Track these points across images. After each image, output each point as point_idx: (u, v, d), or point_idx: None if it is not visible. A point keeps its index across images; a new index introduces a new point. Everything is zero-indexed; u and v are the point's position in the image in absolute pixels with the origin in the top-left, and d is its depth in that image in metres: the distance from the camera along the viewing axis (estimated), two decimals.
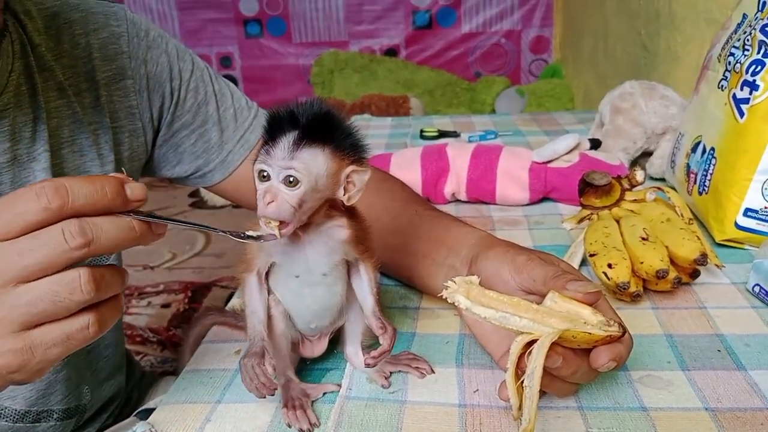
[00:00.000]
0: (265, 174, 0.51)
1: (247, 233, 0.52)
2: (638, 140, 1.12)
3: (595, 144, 1.08)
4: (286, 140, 0.50)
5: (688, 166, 0.94)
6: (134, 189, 0.45)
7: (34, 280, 0.42)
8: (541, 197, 1.05)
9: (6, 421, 0.72)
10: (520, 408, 0.49)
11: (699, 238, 0.72)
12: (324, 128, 0.51)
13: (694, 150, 0.92)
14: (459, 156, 1.07)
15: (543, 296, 0.53)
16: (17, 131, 0.69)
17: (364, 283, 0.58)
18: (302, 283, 0.56)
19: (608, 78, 2.51)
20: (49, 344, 0.43)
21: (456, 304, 0.51)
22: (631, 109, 1.12)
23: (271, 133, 0.51)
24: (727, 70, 0.86)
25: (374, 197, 0.79)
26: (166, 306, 2.32)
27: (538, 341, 0.48)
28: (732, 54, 0.85)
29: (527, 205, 1.05)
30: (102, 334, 0.45)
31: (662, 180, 1.09)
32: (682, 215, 0.79)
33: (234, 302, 0.78)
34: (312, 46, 3.80)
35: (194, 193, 3.55)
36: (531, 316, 0.50)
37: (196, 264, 2.67)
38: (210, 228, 0.52)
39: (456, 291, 0.52)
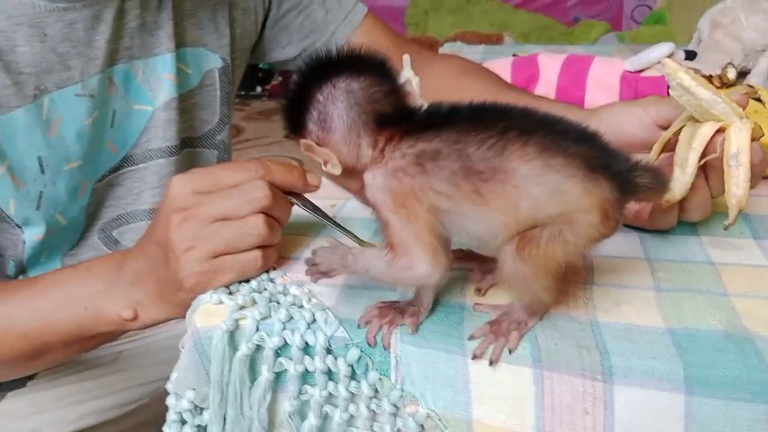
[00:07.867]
0: None
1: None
2: (736, 57, 1.09)
3: (690, 55, 1.07)
4: None
5: None
6: (312, 178, 0.56)
7: (224, 220, 0.52)
8: None
9: None
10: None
11: None
12: None
13: None
14: (550, 64, 1.08)
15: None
16: None
17: None
18: None
19: None
20: (227, 270, 0.53)
21: (679, 81, 0.55)
22: (731, 24, 1.09)
23: None
24: None
25: (471, 80, 0.83)
26: None
27: (734, 126, 0.54)
28: None
29: None
30: (265, 268, 0.55)
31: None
32: None
33: None
34: None
35: None
36: (728, 104, 0.54)
37: None
38: (353, 235, 0.59)
39: (679, 69, 0.54)
